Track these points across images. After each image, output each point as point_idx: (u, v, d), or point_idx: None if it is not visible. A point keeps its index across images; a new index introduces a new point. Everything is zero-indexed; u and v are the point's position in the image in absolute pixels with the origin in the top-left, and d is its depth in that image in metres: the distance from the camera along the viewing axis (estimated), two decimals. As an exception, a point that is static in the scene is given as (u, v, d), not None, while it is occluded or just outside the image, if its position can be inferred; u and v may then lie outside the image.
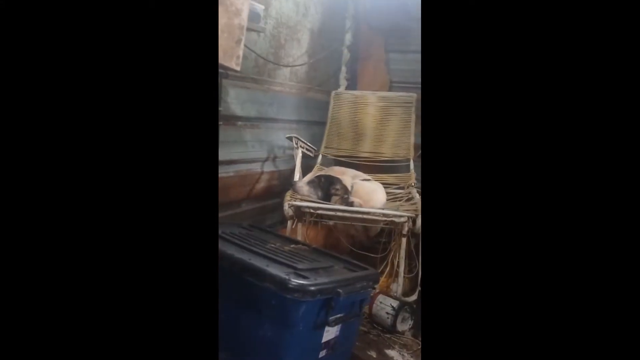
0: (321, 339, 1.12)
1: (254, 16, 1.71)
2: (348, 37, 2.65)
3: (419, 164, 2.06)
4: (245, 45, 1.55)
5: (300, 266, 1.12)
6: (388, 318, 1.65)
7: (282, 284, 1.01)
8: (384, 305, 1.68)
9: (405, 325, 1.69)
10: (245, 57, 1.85)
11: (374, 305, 1.70)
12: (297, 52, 2.29)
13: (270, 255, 1.16)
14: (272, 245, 1.30)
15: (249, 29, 1.76)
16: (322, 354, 1.14)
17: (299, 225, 1.84)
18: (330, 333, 1.14)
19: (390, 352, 1.55)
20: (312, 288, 1.03)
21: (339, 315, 1.12)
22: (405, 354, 1.55)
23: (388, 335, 1.64)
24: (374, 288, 1.37)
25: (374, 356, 1.52)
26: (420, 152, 2.08)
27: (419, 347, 1.59)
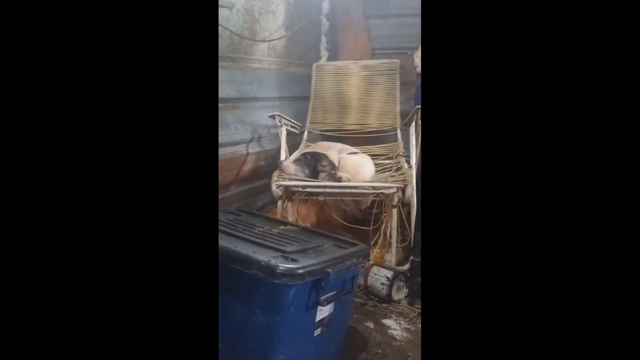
0: (314, 318, 1.13)
1: (222, -8, 1.63)
2: (325, 5, 2.55)
3: (406, 132, 2.04)
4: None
5: (288, 249, 1.11)
6: (383, 288, 1.67)
7: (270, 269, 1.01)
8: (379, 277, 1.70)
9: (400, 294, 1.71)
10: (218, 35, 1.79)
11: (369, 277, 1.72)
12: (273, 26, 2.21)
13: (257, 240, 1.15)
14: (260, 229, 1.29)
15: (219, 6, 1.69)
16: (317, 332, 1.16)
17: (289, 204, 1.83)
18: (323, 311, 1.15)
19: (387, 322, 1.58)
20: (301, 271, 1.02)
21: (330, 294, 1.12)
22: (402, 322, 1.58)
23: (384, 305, 1.67)
24: (366, 262, 1.38)
25: (372, 326, 1.55)
26: (406, 120, 2.05)
27: (415, 314, 1.62)
